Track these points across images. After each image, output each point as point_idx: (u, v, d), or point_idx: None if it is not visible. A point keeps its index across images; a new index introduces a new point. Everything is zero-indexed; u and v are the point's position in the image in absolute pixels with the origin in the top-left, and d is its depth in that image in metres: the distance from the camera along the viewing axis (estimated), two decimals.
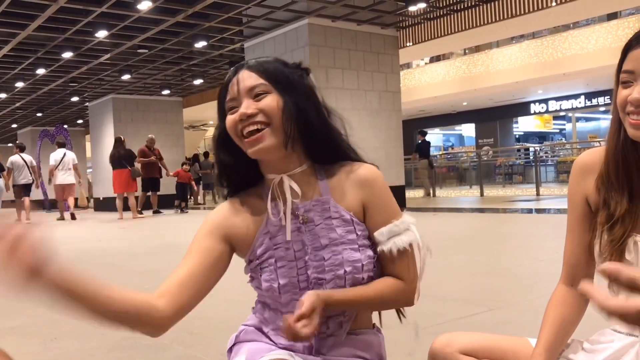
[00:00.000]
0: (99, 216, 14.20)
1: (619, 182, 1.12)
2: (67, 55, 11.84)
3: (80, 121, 22.01)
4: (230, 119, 1.13)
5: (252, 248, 1.17)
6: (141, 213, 12.32)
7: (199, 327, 2.69)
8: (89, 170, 23.58)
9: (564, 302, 1.20)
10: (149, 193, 12.63)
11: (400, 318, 1.27)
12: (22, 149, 12.27)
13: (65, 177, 11.92)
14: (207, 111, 20.55)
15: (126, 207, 12.29)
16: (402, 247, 1.14)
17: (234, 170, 1.20)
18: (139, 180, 12.14)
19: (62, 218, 12.32)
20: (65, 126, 21.37)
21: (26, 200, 11.89)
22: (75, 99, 17.16)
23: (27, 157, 12.22)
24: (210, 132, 28.68)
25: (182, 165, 14.82)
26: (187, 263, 1.13)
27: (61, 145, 12.35)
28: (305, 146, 1.16)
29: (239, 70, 1.16)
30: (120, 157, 11.84)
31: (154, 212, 12.60)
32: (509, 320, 2.58)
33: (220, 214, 1.20)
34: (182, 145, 17.92)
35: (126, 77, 14.10)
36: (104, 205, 17.06)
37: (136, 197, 12.26)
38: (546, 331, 1.17)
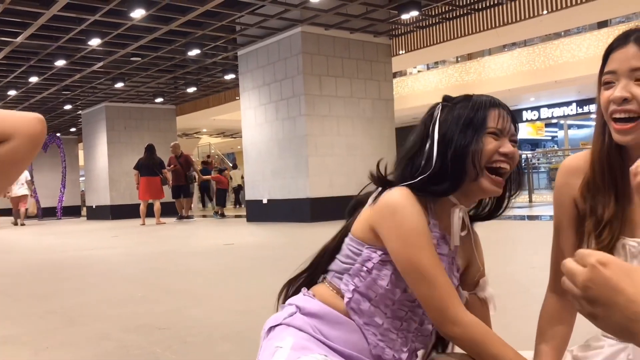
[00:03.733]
0: (92, 225, 14.15)
1: (605, 185, 1.12)
2: (60, 63, 11.82)
3: (73, 129, 21.96)
4: (493, 144, 1.21)
5: None
6: (187, 218, 12.83)
7: (192, 335, 2.68)
8: (81, 179, 23.50)
9: (559, 317, 1.20)
10: (181, 199, 12.85)
11: None
12: None
13: (19, 190, 14.42)
14: (200, 119, 20.55)
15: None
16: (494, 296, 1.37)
17: (459, 181, 1.22)
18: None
19: (15, 223, 14.83)
20: (58, 134, 21.33)
21: None
22: (68, 107, 17.13)
23: None
24: (204, 140, 28.63)
25: (222, 172, 15.01)
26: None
27: None
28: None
29: (502, 107, 1.25)
30: (154, 165, 12.01)
31: (179, 218, 12.81)
32: (502, 327, 2.59)
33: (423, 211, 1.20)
34: None
35: (119, 85, 14.09)
36: (97, 213, 16.99)
37: (163, 204, 12.44)
38: (546, 350, 1.16)
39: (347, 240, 1.25)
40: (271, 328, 1.21)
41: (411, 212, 1.16)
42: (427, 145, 1.23)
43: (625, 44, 1.08)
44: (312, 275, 1.30)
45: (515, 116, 1.27)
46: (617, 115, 1.06)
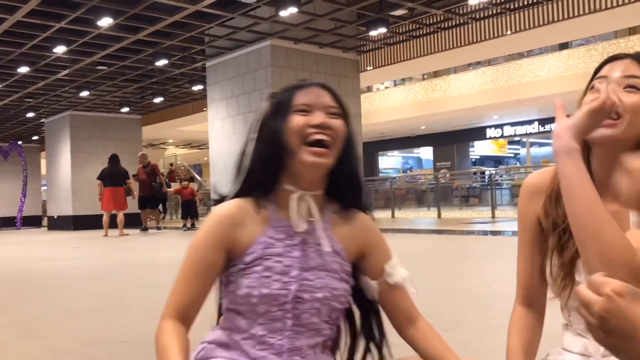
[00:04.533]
0: (53, 235, 13.82)
1: None
2: (24, 70, 11.58)
3: (35, 137, 21.47)
4: (301, 119, 1.16)
5: (243, 255, 1.17)
6: (157, 229, 12.67)
7: (153, 349, 2.64)
8: (43, 188, 22.98)
9: (528, 327, 1.21)
10: (146, 210, 12.66)
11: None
12: None
13: None
14: (166, 130, 20.35)
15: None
16: (408, 278, 1.26)
17: (273, 168, 1.19)
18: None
19: None
20: (20, 142, 20.85)
21: None
22: (30, 114, 16.75)
23: None
24: (170, 150, 28.33)
25: (181, 182, 14.75)
26: (197, 285, 1.17)
27: None
28: (331, 174, 1.21)
29: (314, 84, 1.22)
30: (118, 175, 11.80)
31: (142, 229, 12.58)
32: (465, 341, 2.62)
33: (228, 220, 1.19)
34: None
35: (84, 93, 13.87)
36: (58, 223, 16.62)
37: (127, 215, 12.21)
38: (517, 358, 1.17)
39: None
40: None
41: (202, 230, 1.19)
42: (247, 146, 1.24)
43: (619, 58, 1.14)
44: None
45: (338, 92, 1.23)
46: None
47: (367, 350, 1.31)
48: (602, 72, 1.13)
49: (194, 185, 17.99)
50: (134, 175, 12.51)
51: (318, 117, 1.16)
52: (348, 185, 1.24)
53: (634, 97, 1.08)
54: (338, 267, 1.20)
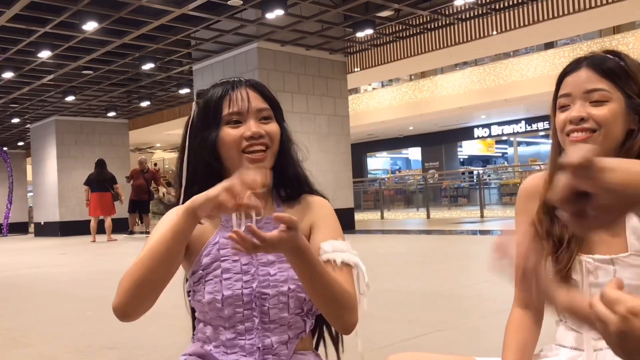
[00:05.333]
0: (40, 242, 13.69)
1: None
2: (8, 75, 11.48)
3: (21, 143, 21.29)
4: (234, 133, 1.17)
5: (198, 257, 1.17)
6: (146, 233, 12.54)
7: (142, 355, 2.62)
8: (29, 195, 22.77)
9: (523, 326, 1.22)
10: (135, 214, 12.63)
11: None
12: None
13: None
14: (153, 134, 20.26)
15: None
16: (347, 261, 1.15)
17: (210, 177, 1.18)
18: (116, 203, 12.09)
19: None
20: (5, 148, 20.65)
21: None
22: (16, 120, 16.62)
23: None
24: (157, 155, 28.20)
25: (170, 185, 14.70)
26: None
27: None
28: (274, 170, 1.22)
29: (240, 85, 1.21)
30: (105, 180, 11.74)
31: (129, 233, 12.52)
32: (455, 341, 2.62)
33: None
34: (128, 168, 17.53)
35: (70, 98, 13.76)
36: (45, 230, 16.48)
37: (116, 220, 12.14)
38: (511, 356, 1.18)
39: None
40: None
41: (164, 220, 1.18)
42: (184, 156, 1.23)
43: (577, 68, 1.13)
44: None
45: (266, 88, 1.23)
46: (575, 135, 1.10)
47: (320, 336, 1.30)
48: (566, 89, 1.14)
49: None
50: (126, 177, 12.46)
51: (250, 127, 1.16)
52: (291, 176, 1.25)
53: (603, 109, 1.10)
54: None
